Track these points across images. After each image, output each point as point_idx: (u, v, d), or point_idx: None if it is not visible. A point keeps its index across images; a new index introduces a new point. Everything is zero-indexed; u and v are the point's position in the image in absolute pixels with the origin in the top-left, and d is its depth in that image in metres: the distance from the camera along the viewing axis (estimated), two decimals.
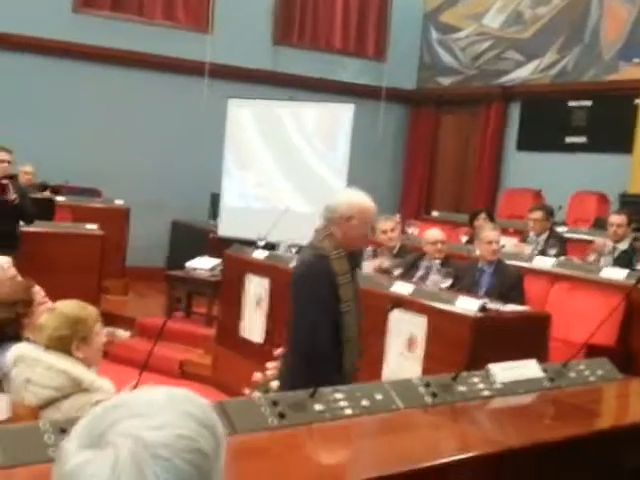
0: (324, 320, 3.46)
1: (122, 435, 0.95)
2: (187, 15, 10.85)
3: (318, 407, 2.46)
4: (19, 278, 4.26)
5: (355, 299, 3.59)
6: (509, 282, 5.61)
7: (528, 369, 3.06)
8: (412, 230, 7.70)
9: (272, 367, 5.44)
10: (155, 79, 10.47)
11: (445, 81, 12.02)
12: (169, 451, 0.95)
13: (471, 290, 5.49)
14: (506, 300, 4.99)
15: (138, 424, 0.96)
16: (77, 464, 0.94)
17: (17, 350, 3.14)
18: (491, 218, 7.77)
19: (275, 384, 5.20)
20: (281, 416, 2.35)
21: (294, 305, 3.58)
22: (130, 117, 10.36)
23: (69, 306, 3.16)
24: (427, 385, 2.76)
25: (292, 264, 3.66)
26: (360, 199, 3.58)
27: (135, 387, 2.68)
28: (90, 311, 3.18)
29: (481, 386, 2.88)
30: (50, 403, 2.97)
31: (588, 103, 10.06)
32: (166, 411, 0.98)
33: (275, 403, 2.39)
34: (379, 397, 2.62)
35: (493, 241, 5.72)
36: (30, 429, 2.04)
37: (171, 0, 10.76)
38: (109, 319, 7.88)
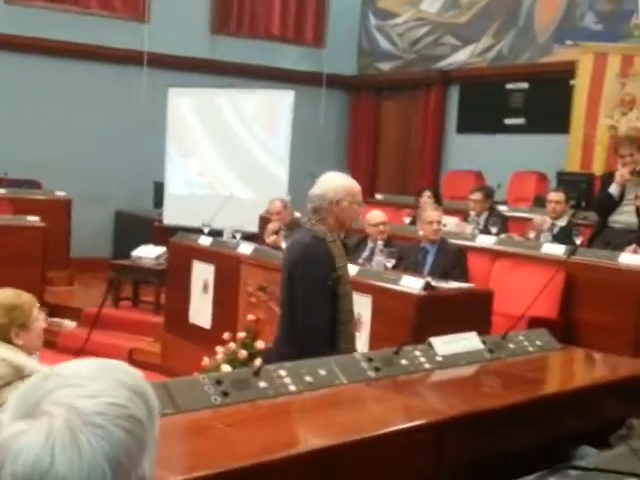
0: (323, 300, 3.52)
1: (56, 404, 0.96)
2: (124, 4, 10.71)
3: (262, 384, 2.48)
4: None
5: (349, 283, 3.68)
6: (452, 260, 5.71)
7: (468, 341, 3.12)
8: None
9: (221, 352, 5.47)
10: (93, 69, 10.33)
11: (385, 66, 12.08)
12: (102, 418, 0.96)
13: (415, 270, 5.56)
14: (449, 278, 5.08)
15: (71, 393, 0.97)
16: (10, 435, 0.95)
17: None
18: (436, 196, 7.89)
19: (225, 368, 5.23)
20: (224, 394, 2.36)
21: (292, 284, 3.57)
22: (69, 108, 10.21)
23: (3, 294, 3.13)
24: (370, 360, 2.80)
25: (285, 247, 3.68)
26: (344, 180, 3.67)
27: None
28: (26, 298, 3.16)
29: (423, 359, 2.93)
30: None
31: (525, 85, 10.22)
32: (98, 380, 1.00)
33: (219, 382, 2.40)
34: (322, 373, 2.65)
35: (434, 221, 5.80)
36: None
37: None
38: (55, 310, 7.82)
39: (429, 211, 5.97)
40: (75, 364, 1.04)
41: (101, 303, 2.58)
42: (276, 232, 6.99)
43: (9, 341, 3.05)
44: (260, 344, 5.29)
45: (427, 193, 7.87)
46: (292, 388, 2.54)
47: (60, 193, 9.28)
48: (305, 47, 12.06)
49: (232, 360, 5.24)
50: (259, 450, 2.02)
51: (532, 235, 6.43)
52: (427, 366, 2.91)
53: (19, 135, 9.88)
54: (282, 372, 2.59)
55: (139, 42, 10.48)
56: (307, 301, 3.54)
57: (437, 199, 7.81)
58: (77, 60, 10.23)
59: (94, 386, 0.99)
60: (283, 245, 6.48)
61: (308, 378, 2.61)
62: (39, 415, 0.95)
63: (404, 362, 2.87)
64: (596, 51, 8.83)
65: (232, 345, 5.37)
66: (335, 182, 3.63)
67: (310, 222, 3.64)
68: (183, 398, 2.31)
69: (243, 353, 5.25)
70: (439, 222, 5.86)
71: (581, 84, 8.82)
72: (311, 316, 3.52)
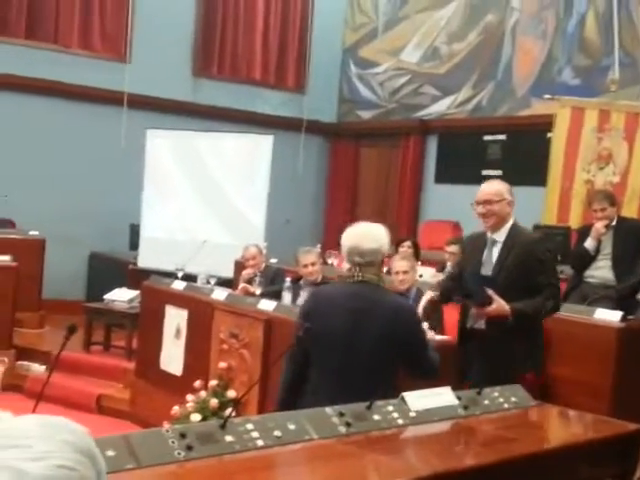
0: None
1: (1, 468, 0.90)
2: (104, 43, 10.72)
3: (229, 438, 2.41)
4: None
5: None
6: (426, 312, 5.65)
7: (442, 397, 3.06)
8: (332, 260, 7.71)
9: (191, 400, 5.36)
10: (72, 108, 10.29)
11: (365, 114, 12.16)
12: None
13: None
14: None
15: (16, 455, 0.92)
16: None
17: None
18: (415, 247, 7.84)
19: (195, 417, 5.12)
20: (189, 448, 2.29)
21: (416, 340, 3.45)
22: (46, 146, 10.14)
23: None
24: (341, 414, 2.73)
25: (362, 305, 3.38)
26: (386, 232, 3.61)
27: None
28: None
29: (395, 415, 2.86)
30: None
31: (503, 137, 10.30)
32: (45, 440, 0.94)
33: (183, 435, 2.32)
34: (292, 427, 2.58)
35: (400, 271, 5.75)
36: None
37: (87, 28, 10.62)
38: (24, 353, 7.69)
39: (396, 261, 5.93)
40: (17, 421, 0.98)
41: (61, 347, 2.48)
42: (249, 279, 6.93)
43: None
44: (231, 393, 5.19)
45: (407, 243, 7.82)
46: (260, 443, 2.47)
47: (34, 233, 9.16)
48: (286, 92, 12.12)
49: (202, 409, 5.13)
50: None
51: None
52: (400, 422, 2.85)
53: None
54: (249, 426, 2.51)
55: (119, 82, 10.46)
56: (427, 347, 3.51)
57: (416, 250, 7.78)
58: (55, 98, 10.18)
59: (41, 447, 0.93)
60: (257, 292, 6.43)
61: (277, 432, 2.53)
62: None
63: (376, 417, 2.81)
64: (573, 105, 8.92)
65: (203, 393, 5.27)
66: (385, 235, 3.57)
67: (370, 279, 3.45)
68: (145, 452, 2.23)
69: (214, 402, 5.15)
70: (405, 272, 5.79)
71: (558, 137, 8.89)
72: (435, 358, 3.50)
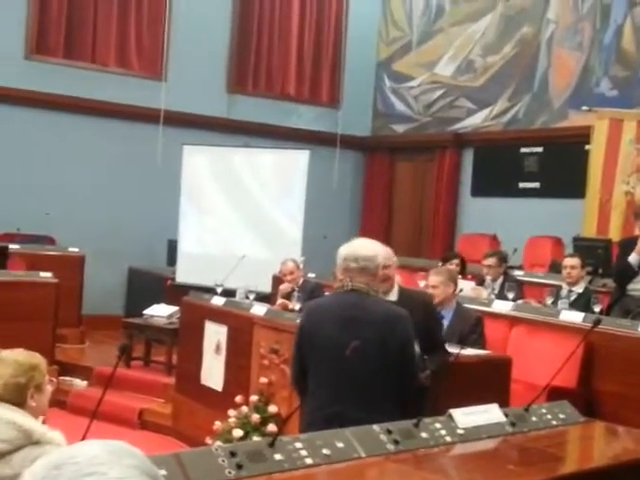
0: None
1: None
2: (141, 62, 10.85)
3: (278, 457, 2.41)
4: None
5: None
6: (468, 326, 5.60)
7: (490, 414, 3.03)
8: None
9: (233, 415, 5.37)
10: (109, 126, 10.41)
11: (399, 128, 12.15)
12: None
13: None
14: (466, 344, 4.98)
15: None
16: None
17: None
18: (462, 263, 7.65)
19: (237, 432, 5.13)
20: (239, 467, 2.29)
21: (407, 347, 3.54)
22: (85, 164, 10.27)
23: (21, 354, 3.06)
24: (389, 432, 2.71)
25: (366, 314, 3.48)
26: (382, 247, 3.79)
27: (83, 438, 2.58)
28: (40, 358, 3.10)
29: (443, 432, 2.84)
30: (0, 456, 2.86)
31: (539, 149, 10.24)
32: (114, 466, 0.96)
33: (233, 453, 2.33)
34: (340, 445, 2.57)
35: (430, 285, 5.65)
36: None
37: (124, 47, 10.76)
38: (65, 368, 7.76)
39: (430, 275, 5.84)
40: (82, 448, 0.99)
41: (113, 370, 2.51)
42: (287, 294, 6.92)
43: (24, 402, 2.97)
44: (273, 408, 5.19)
45: (455, 261, 7.58)
46: (309, 461, 2.46)
47: (73, 249, 9.27)
48: (320, 107, 12.15)
49: (244, 424, 5.14)
50: None
51: (549, 301, 6.35)
52: (448, 439, 2.82)
53: (33, 191, 9.91)
54: (298, 444, 2.51)
55: (156, 100, 10.57)
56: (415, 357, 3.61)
57: (463, 266, 7.65)
58: (93, 117, 10.31)
59: (114, 474, 0.95)
60: (296, 307, 6.42)
61: (325, 451, 2.53)
62: None
63: (424, 435, 2.79)
64: (611, 117, 8.85)
65: (244, 409, 5.27)
66: (382, 249, 3.76)
67: (369, 290, 3.56)
68: (196, 471, 2.24)
69: (256, 417, 5.15)
70: (434, 287, 5.68)
71: (596, 149, 8.83)
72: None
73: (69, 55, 10.41)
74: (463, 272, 7.48)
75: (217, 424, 5.32)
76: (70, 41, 10.40)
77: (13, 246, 8.78)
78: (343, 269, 3.57)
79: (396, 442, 2.69)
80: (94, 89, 10.25)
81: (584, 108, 9.23)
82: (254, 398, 5.34)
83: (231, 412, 5.34)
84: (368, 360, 3.40)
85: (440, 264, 7.48)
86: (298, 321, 4.04)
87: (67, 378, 7.62)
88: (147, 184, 10.47)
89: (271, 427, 4.95)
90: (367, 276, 3.53)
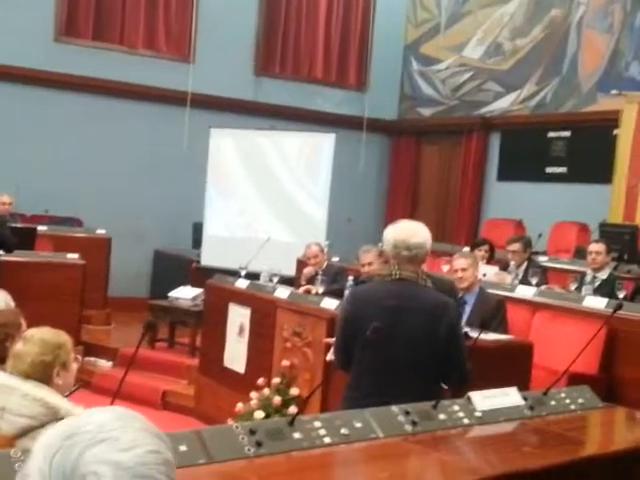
0: None
1: (98, 463, 0.94)
2: (169, 44, 10.89)
3: (297, 435, 2.44)
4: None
5: None
6: (491, 311, 5.59)
7: (508, 397, 3.05)
8: None
9: (255, 397, 5.42)
10: (137, 108, 10.47)
11: (426, 112, 12.10)
12: (147, 468, 0.95)
13: None
14: (488, 329, 4.98)
15: (107, 449, 0.95)
16: None
17: None
18: (491, 250, 7.59)
19: (259, 414, 5.18)
20: (258, 444, 2.32)
21: (457, 339, 3.45)
22: (112, 146, 10.34)
23: (47, 333, 3.11)
24: (407, 413, 2.74)
25: (404, 302, 3.38)
26: (426, 230, 3.56)
27: None
28: (66, 337, 3.15)
29: (461, 414, 2.86)
30: (26, 432, 2.92)
31: (567, 134, 10.15)
32: (126, 430, 0.98)
33: (253, 432, 2.36)
34: (358, 425, 2.60)
35: (458, 269, 5.60)
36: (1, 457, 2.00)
37: (153, 29, 10.80)
38: (91, 349, 7.86)
39: (455, 259, 5.79)
40: (93, 416, 1.00)
41: (137, 347, 2.55)
42: (311, 278, 6.93)
43: (50, 380, 3.03)
44: (294, 390, 5.23)
45: (485, 247, 7.54)
46: (327, 440, 2.50)
47: (100, 231, 9.35)
48: (347, 90, 12.14)
49: (266, 406, 5.18)
50: None
51: (573, 287, 6.33)
52: (466, 421, 2.85)
53: (61, 173, 10.02)
54: (317, 423, 2.54)
55: (183, 82, 10.61)
56: (464, 350, 3.47)
57: (492, 253, 7.59)
58: (121, 99, 10.38)
59: (126, 437, 0.97)
60: (320, 291, 6.43)
61: (344, 430, 2.56)
62: (82, 478, 0.93)
63: (442, 417, 2.81)
64: None
65: (266, 391, 5.32)
66: (429, 233, 3.53)
67: (413, 276, 3.44)
68: (216, 447, 2.28)
69: (277, 399, 5.20)
70: (464, 270, 5.64)
71: (625, 134, 8.74)
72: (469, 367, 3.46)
73: (98, 37, 10.46)
74: (491, 258, 7.44)
75: (239, 406, 5.37)
76: (99, 23, 10.46)
77: (41, 227, 8.90)
78: (393, 255, 3.46)
79: (414, 423, 2.72)
80: (122, 71, 10.31)
81: (613, 92, 9.13)
82: (276, 380, 5.38)
83: (253, 394, 5.39)
84: (415, 350, 3.34)
85: (467, 249, 7.46)
86: (342, 307, 3.94)
87: (92, 358, 7.72)
88: (173, 166, 10.53)
89: (292, 409, 4.99)
90: (416, 264, 3.44)
